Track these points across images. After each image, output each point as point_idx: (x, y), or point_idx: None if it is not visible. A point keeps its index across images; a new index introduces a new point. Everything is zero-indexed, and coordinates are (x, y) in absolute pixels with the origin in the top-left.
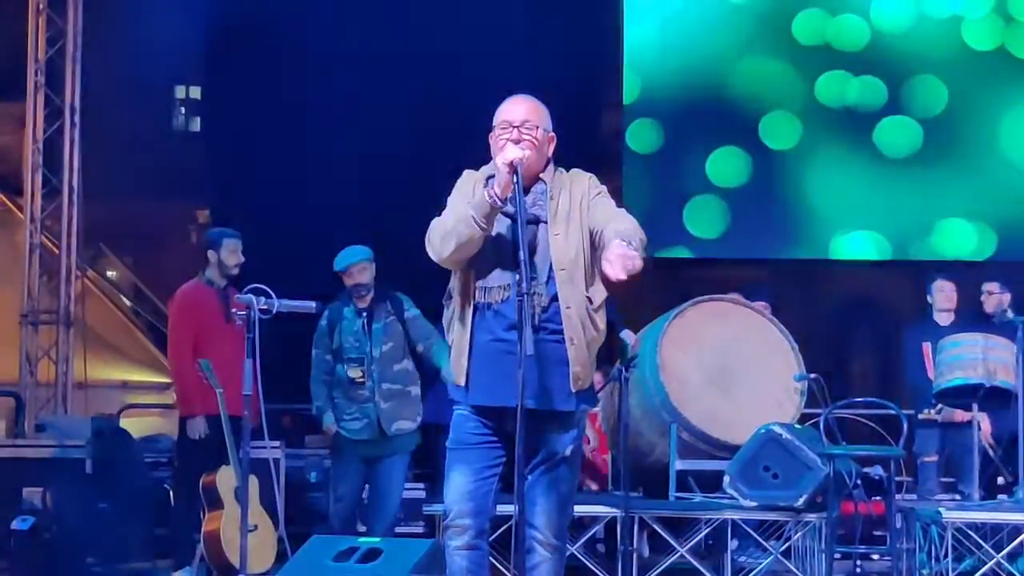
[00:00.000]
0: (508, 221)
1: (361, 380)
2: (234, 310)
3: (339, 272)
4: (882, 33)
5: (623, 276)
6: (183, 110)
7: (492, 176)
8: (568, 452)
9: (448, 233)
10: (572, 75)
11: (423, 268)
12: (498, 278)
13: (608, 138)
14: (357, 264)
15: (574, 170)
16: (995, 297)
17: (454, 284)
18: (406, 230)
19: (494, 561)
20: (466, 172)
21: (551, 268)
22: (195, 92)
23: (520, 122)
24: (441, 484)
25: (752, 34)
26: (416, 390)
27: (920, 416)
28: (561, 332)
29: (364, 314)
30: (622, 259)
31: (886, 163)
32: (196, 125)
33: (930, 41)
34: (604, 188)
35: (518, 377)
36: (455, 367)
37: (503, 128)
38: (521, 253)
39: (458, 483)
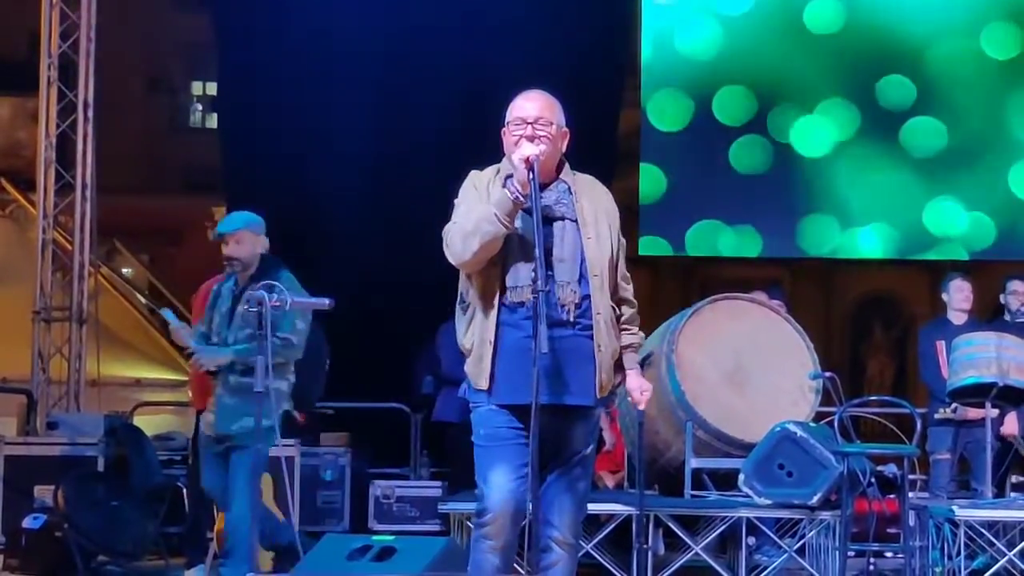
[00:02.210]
0: (531, 219)
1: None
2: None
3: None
4: (903, 32)
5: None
6: (199, 106)
7: (509, 175)
8: (588, 450)
9: (470, 233)
10: (590, 73)
11: (442, 265)
12: (527, 276)
13: (625, 137)
14: (232, 234)
15: (590, 176)
16: (1021, 296)
17: (467, 287)
18: (424, 226)
19: None
20: (472, 173)
21: (584, 269)
22: (211, 88)
23: (534, 119)
24: (455, 482)
25: (771, 28)
26: (283, 385)
27: (936, 416)
28: (592, 329)
29: (236, 293)
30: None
31: (909, 163)
32: (212, 121)
33: (951, 44)
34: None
35: (533, 374)
36: (474, 370)
37: (517, 125)
38: (536, 250)
39: (500, 483)
